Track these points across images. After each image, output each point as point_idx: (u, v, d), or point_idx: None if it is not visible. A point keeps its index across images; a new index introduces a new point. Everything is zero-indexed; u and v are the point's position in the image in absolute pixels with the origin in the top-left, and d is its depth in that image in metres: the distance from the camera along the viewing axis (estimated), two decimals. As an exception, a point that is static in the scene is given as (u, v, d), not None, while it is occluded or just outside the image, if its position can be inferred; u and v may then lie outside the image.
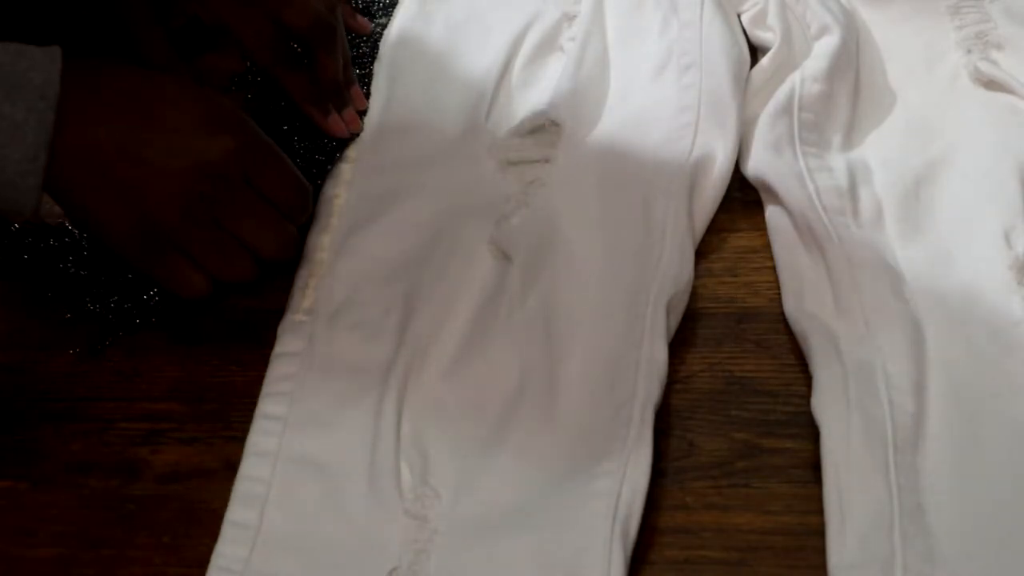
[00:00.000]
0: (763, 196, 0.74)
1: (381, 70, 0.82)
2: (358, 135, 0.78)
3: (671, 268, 0.68)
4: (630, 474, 0.60)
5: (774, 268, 0.70)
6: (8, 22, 0.76)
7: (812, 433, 0.62)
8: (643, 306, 0.66)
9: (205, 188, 0.66)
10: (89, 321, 0.70)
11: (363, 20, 0.86)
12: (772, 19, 0.81)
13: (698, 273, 0.70)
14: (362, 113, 0.80)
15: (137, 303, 0.71)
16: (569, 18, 0.85)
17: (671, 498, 0.61)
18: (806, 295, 0.68)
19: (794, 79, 0.77)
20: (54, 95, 0.63)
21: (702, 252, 0.72)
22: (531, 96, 0.80)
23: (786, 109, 0.75)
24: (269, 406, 0.65)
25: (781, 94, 0.76)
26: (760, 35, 0.82)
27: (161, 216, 0.66)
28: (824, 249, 0.68)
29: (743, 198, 0.75)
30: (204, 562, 0.60)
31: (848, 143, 0.75)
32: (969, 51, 0.80)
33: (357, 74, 0.82)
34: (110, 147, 0.65)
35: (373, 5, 0.89)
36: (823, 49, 0.78)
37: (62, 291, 0.72)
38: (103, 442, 0.66)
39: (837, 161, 0.73)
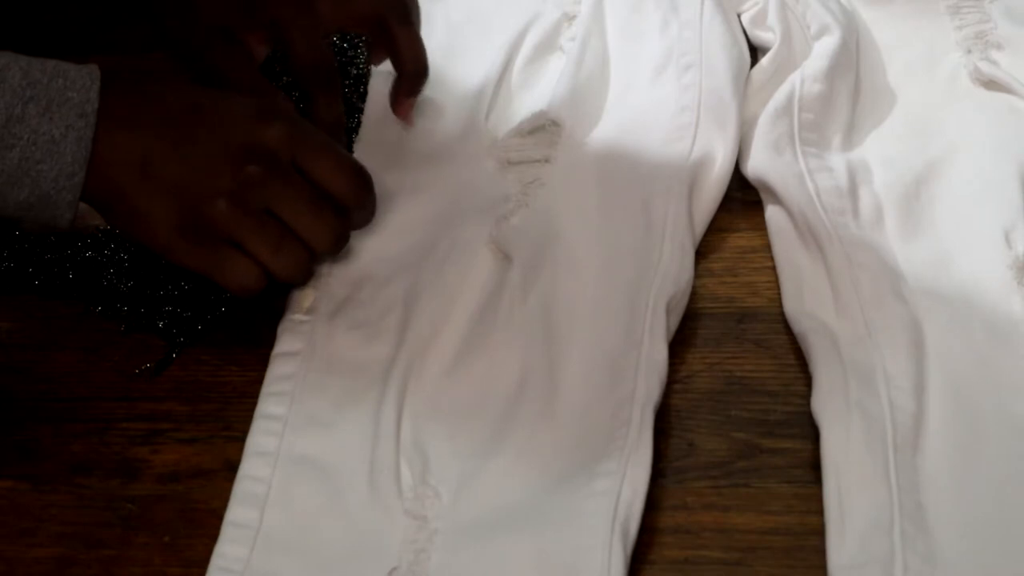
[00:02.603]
0: (763, 196, 0.74)
1: (380, 70, 0.82)
2: None
3: (671, 268, 0.68)
4: (630, 474, 0.60)
5: (774, 268, 0.70)
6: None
7: (812, 433, 0.62)
8: (643, 306, 0.66)
9: (253, 172, 0.64)
10: (143, 332, 0.70)
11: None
12: (772, 19, 0.81)
13: (698, 273, 0.70)
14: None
15: (198, 313, 0.70)
16: (569, 18, 0.85)
17: (671, 498, 0.61)
18: (806, 295, 0.68)
19: (794, 79, 0.77)
20: (93, 112, 0.63)
21: (702, 252, 0.72)
22: (531, 96, 0.80)
23: (786, 109, 0.75)
24: (269, 406, 0.65)
25: (781, 94, 0.76)
26: (760, 35, 0.82)
27: (208, 205, 0.64)
28: (824, 249, 0.68)
29: (743, 198, 0.75)
30: (204, 562, 0.59)
31: (848, 143, 0.75)
32: (969, 51, 0.80)
33: (355, 74, 0.82)
34: (152, 148, 0.64)
35: (373, 5, 0.89)
36: (823, 49, 0.78)
37: (110, 305, 0.71)
38: (103, 442, 0.66)
39: (837, 161, 0.73)
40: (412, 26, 0.74)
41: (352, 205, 0.67)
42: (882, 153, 0.74)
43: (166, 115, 0.65)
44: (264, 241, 0.65)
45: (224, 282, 0.66)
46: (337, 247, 0.68)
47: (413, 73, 0.75)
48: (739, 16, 0.84)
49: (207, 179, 0.64)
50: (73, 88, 0.63)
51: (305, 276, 0.68)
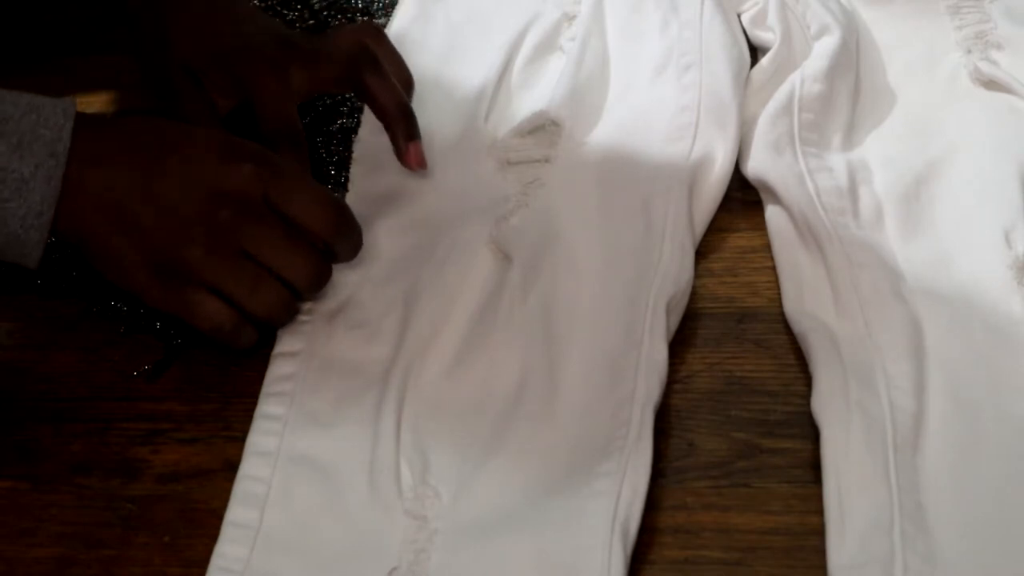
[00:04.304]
0: (763, 196, 0.74)
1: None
2: None
3: (671, 268, 0.68)
4: (630, 474, 0.60)
5: (774, 268, 0.70)
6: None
7: (812, 433, 0.62)
8: (643, 306, 0.66)
9: (224, 216, 0.63)
10: (143, 332, 0.70)
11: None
12: (772, 19, 0.81)
13: (698, 273, 0.70)
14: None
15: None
16: (569, 18, 0.85)
17: (671, 498, 0.61)
18: (806, 295, 0.68)
19: (794, 79, 0.77)
20: (64, 151, 0.62)
21: (702, 252, 0.72)
22: (531, 96, 0.80)
23: (786, 109, 0.75)
24: (269, 406, 0.65)
25: (781, 94, 0.76)
26: (760, 35, 0.82)
27: (181, 251, 0.63)
28: (824, 249, 0.68)
29: (743, 198, 0.75)
30: (204, 562, 0.60)
31: (848, 143, 0.75)
32: (969, 51, 0.80)
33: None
34: (122, 189, 0.63)
35: (373, 5, 0.89)
36: (823, 49, 0.78)
37: (110, 305, 0.71)
38: (103, 442, 0.66)
39: (837, 161, 0.73)
40: (383, 75, 0.73)
41: (329, 240, 0.66)
42: (882, 153, 0.74)
43: (138, 158, 0.64)
44: (239, 283, 0.64)
45: (198, 325, 0.65)
46: (318, 283, 0.67)
47: (398, 116, 0.73)
48: (739, 16, 0.84)
49: (179, 225, 0.63)
50: (45, 125, 0.62)
51: (288, 314, 0.67)
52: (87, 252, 0.65)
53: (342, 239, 0.67)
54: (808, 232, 0.70)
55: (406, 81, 0.76)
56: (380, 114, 0.74)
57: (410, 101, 0.76)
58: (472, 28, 0.86)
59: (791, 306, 0.68)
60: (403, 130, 0.73)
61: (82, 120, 0.63)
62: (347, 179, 0.77)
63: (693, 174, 0.73)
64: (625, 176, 0.74)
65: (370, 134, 0.78)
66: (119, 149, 0.64)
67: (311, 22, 0.88)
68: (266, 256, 0.64)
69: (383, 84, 0.73)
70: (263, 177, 0.64)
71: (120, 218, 0.63)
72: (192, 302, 0.64)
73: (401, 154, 0.74)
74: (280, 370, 0.67)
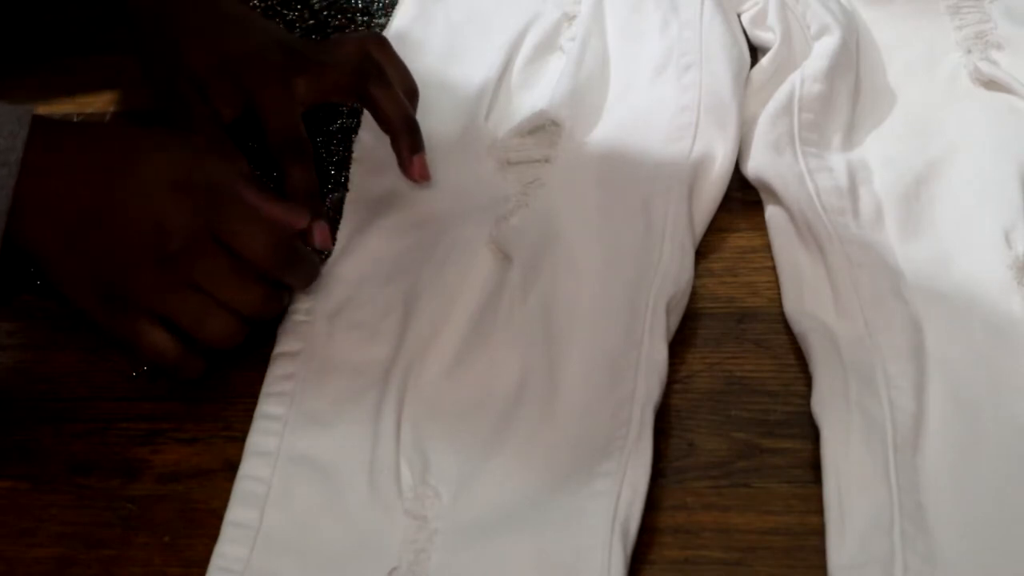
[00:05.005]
0: (763, 196, 0.74)
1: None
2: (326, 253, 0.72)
3: (671, 268, 0.68)
4: (630, 474, 0.60)
5: (774, 268, 0.70)
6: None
7: (812, 433, 0.62)
8: (643, 306, 0.66)
9: (171, 248, 0.62)
10: None
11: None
12: (772, 19, 0.81)
13: (698, 273, 0.70)
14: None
15: None
16: (569, 18, 0.85)
17: (671, 498, 0.61)
18: (806, 295, 0.68)
19: (794, 79, 0.77)
20: (16, 161, 0.61)
21: (702, 252, 0.72)
22: (531, 96, 0.80)
23: (786, 109, 0.75)
24: (269, 406, 0.65)
25: (781, 94, 0.76)
26: (760, 35, 0.82)
27: (124, 280, 0.63)
28: (824, 249, 0.68)
29: (743, 198, 0.75)
30: (204, 562, 0.60)
31: (848, 143, 0.75)
32: (969, 51, 0.80)
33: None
34: (73, 210, 0.63)
35: (373, 5, 0.89)
36: (823, 49, 0.78)
37: None
38: (103, 442, 0.66)
39: (837, 161, 0.73)
40: (388, 85, 0.73)
41: (276, 275, 0.65)
42: (882, 153, 0.74)
43: (93, 177, 0.63)
44: (185, 314, 0.64)
45: (141, 354, 0.65)
46: (268, 313, 0.66)
47: (403, 129, 0.73)
48: (739, 16, 0.84)
49: (127, 254, 0.63)
50: (0, 133, 0.61)
51: (237, 338, 0.65)
52: (39, 265, 0.65)
53: (290, 274, 0.66)
54: (808, 232, 0.70)
55: (410, 90, 0.76)
56: (384, 125, 0.74)
57: (415, 110, 0.76)
58: (472, 28, 0.86)
59: (791, 306, 0.68)
60: (407, 142, 0.73)
61: (40, 128, 0.62)
62: (347, 179, 0.77)
63: (693, 174, 0.73)
64: (625, 176, 0.74)
65: (370, 135, 0.78)
66: (74, 166, 0.63)
67: (311, 22, 0.88)
68: (212, 288, 0.63)
69: (388, 95, 0.73)
70: (212, 207, 0.63)
71: (69, 239, 0.63)
72: (136, 331, 0.64)
73: (405, 166, 0.73)
74: (280, 370, 0.67)
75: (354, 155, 0.78)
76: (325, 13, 0.89)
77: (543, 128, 0.76)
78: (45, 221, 0.63)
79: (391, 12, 0.87)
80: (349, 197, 0.75)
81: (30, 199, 0.62)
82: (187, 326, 0.64)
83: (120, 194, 0.63)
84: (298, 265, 0.67)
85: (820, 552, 0.58)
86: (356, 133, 0.79)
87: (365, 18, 0.88)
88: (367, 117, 0.79)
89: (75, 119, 0.83)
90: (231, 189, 0.65)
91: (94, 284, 0.64)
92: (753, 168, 0.74)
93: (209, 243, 0.63)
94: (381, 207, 0.74)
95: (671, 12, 0.83)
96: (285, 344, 0.68)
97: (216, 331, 0.64)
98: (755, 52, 0.82)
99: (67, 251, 0.63)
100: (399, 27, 0.86)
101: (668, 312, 0.66)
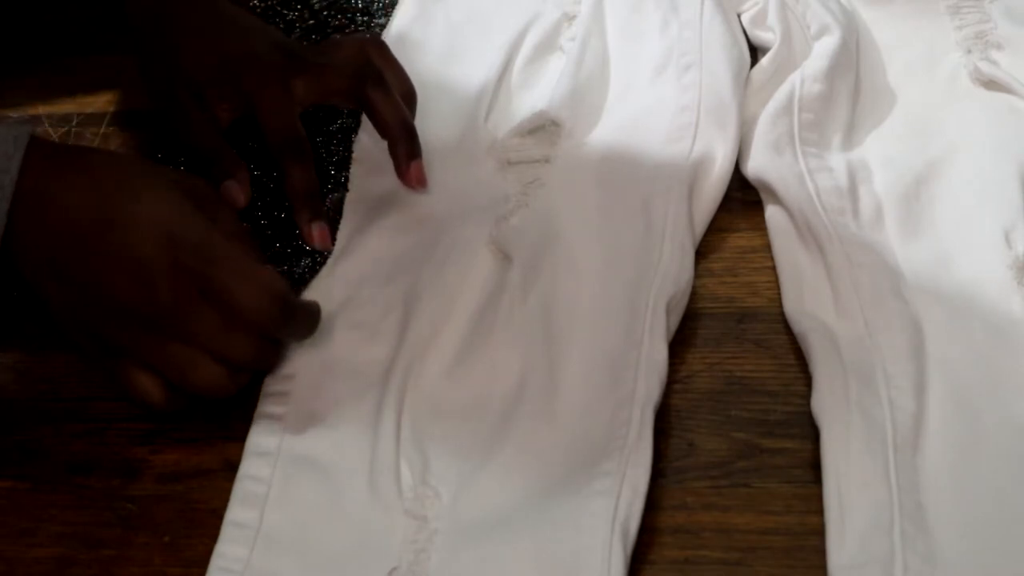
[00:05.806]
0: (763, 196, 0.74)
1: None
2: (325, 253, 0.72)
3: (671, 268, 0.68)
4: (630, 474, 0.60)
5: (774, 268, 0.70)
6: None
7: (812, 433, 0.62)
8: (643, 306, 0.66)
9: (158, 305, 0.61)
10: None
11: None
12: (772, 19, 0.81)
13: (698, 273, 0.70)
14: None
15: None
16: (569, 18, 0.85)
17: (671, 498, 0.61)
18: (806, 295, 0.68)
19: (794, 79, 0.77)
20: (11, 183, 0.60)
21: (702, 252, 0.72)
22: (531, 96, 0.80)
23: (786, 109, 0.75)
24: (269, 406, 0.65)
25: (781, 94, 0.76)
26: (760, 35, 0.82)
27: (111, 330, 0.62)
28: (824, 249, 0.68)
29: (743, 198, 0.75)
30: (204, 562, 0.60)
31: (848, 143, 0.75)
32: (969, 51, 0.80)
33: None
34: (64, 248, 0.61)
35: (373, 5, 0.89)
36: (823, 49, 0.78)
37: None
38: (103, 442, 0.66)
39: (837, 161, 0.73)
40: (387, 90, 0.73)
41: (273, 333, 0.64)
42: (882, 153, 0.74)
43: (85, 214, 0.61)
44: (171, 368, 0.62)
45: (130, 396, 0.64)
46: (262, 365, 0.65)
47: (400, 134, 0.73)
48: (739, 16, 0.84)
49: (113, 307, 0.61)
50: None
51: (230, 388, 0.64)
52: (33, 289, 0.64)
53: (286, 330, 0.65)
54: (808, 232, 0.70)
55: (408, 94, 0.76)
56: (382, 130, 0.73)
57: (413, 114, 0.75)
58: (472, 28, 0.86)
59: (791, 306, 0.68)
60: (405, 148, 0.73)
61: (36, 151, 0.61)
62: (347, 179, 0.77)
63: (693, 174, 0.73)
64: (625, 176, 0.74)
65: (369, 136, 0.78)
66: (68, 203, 0.62)
67: (311, 22, 0.88)
68: (201, 344, 0.62)
69: (386, 100, 0.73)
70: (201, 263, 0.61)
71: (60, 277, 0.62)
72: (123, 374, 0.63)
73: (402, 172, 0.73)
74: (280, 370, 0.67)
75: (354, 155, 0.78)
76: (325, 13, 0.89)
77: (543, 128, 0.76)
78: (34, 252, 0.62)
79: (391, 12, 0.87)
80: (349, 197, 0.75)
81: (20, 223, 0.61)
82: (171, 378, 0.63)
83: (112, 242, 0.61)
84: (295, 320, 0.65)
85: (820, 552, 0.58)
86: (356, 133, 0.79)
87: (365, 18, 0.88)
88: (366, 118, 0.79)
89: (75, 119, 0.83)
90: (223, 244, 0.63)
91: (80, 325, 0.63)
92: (753, 168, 0.74)
93: (196, 299, 0.61)
94: (381, 207, 0.74)
95: (671, 12, 0.83)
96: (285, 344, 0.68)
97: (204, 383, 0.63)
98: (755, 52, 0.82)
99: (56, 286, 0.62)
100: (399, 27, 0.86)
101: (668, 312, 0.66)
